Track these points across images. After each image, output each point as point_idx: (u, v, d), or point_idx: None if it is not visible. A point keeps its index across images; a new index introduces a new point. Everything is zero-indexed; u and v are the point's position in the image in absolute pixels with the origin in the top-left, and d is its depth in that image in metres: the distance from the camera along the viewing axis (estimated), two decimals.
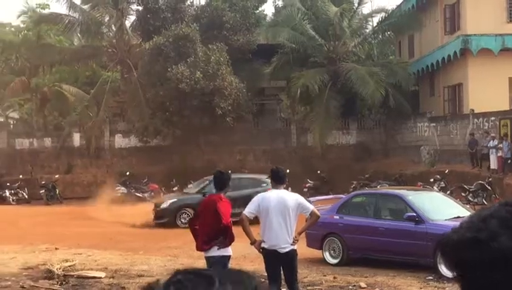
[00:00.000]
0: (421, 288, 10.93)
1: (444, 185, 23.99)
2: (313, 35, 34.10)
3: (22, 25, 42.91)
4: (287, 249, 8.08)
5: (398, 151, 33.15)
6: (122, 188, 29.87)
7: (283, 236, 8.07)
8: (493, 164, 24.70)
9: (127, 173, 31.48)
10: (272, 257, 8.13)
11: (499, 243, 1.06)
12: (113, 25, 36.70)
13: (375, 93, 30.73)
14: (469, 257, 1.09)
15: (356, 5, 36.11)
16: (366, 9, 39.90)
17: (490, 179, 23.07)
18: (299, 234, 8.44)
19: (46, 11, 40.74)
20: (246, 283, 0.98)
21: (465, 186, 22.92)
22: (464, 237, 1.11)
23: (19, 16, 41.59)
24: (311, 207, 8.43)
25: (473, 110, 27.83)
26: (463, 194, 22.44)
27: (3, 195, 31.05)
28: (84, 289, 10.91)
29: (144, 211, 22.23)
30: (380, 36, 37.65)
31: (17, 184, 31.91)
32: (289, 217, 8.06)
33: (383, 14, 36.26)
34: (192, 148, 32.42)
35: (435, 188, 22.24)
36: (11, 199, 30.84)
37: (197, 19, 34.53)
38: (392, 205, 13.89)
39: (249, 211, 8.23)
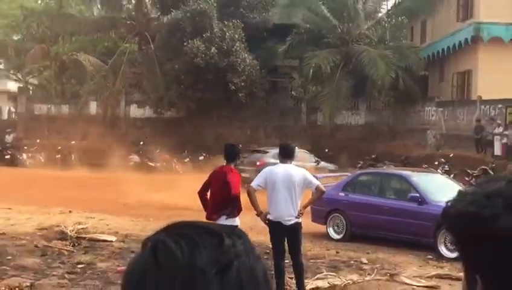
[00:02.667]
0: (420, 266, 11.00)
1: (448, 168, 23.95)
2: (328, 17, 33.87)
3: None
4: (291, 222, 8.15)
5: (405, 133, 33.03)
6: (135, 157, 30.04)
7: (288, 209, 8.13)
8: (497, 150, 24.61)
9: (141, 143, 31.60)
10: (276, 228, 8.20)
11: (501, 223, 1.04)
12: None
13: (385, 76, 30.57)
14: (468, 232, 1.08)
15: None
16: None
17: (493, 165, 22.99)
18: (304, 207, 8.50)
19: None
20: (242, 236, 0.99)
21: (468, 170, 22.86)
22: (466, 210, 1.09)
23: None
24: (316, 182, 8.49)
25: (480, 96, 27.64)
26: (466, 178, 22.36)
27: (21, 158, 31.32)
28: (95, 251, 11.04)
29: (155, 179, 22.36)
30: (394, 20, 37.31)
31: (34, 148, 32.17)
32: (295, 191, 8.12)
33: None
34: (204, 122, 32.47)
35: (439, 171, 22.19)
36: (27, 162, 31.11)
37: None
38: (396, 185, 13.96)
39: (256, 183, 8.32)
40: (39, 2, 43.16)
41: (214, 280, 0.91)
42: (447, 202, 1.15)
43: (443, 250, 11.82)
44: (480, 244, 1.06)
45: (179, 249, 0.92)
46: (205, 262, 0.91)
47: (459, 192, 1.15)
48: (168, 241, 0.93)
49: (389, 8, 36.42)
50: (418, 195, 12.63)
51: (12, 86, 45.62)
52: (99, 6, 39.57)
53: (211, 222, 8.25)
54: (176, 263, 0.91)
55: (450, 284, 9.60)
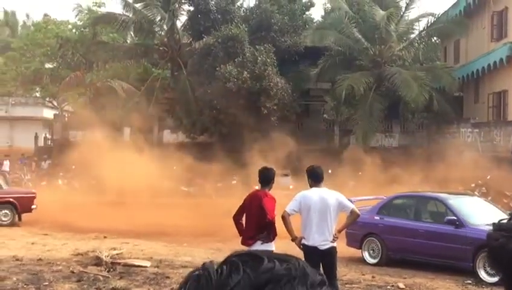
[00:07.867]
0: None
1: (485, 190, 23.56)
2: (359, 39, 33.89)
3: (79, 23, 43.81)
4: (326, 246, 8.09)
5: (440, 155, 32.63)
6: (169, 182, 30.12)
7: (323, 233, 8.08)
8: None
9: (174, 168, 31.75)
10: (312, 253, 8.11)
11: None
12: (164, 25, 37.14)
13: (418, 97, 30.37)
14: None
15: (403, 9, 35.74)
16: (413, 14, 39.35)
17: None
18: (339, 231, 8.44)
19: (102, 8, 41.57)
20: (292, 262, 0.98)
21: (506, 192, 22.47)
22: None
23: (77, 15, 42.43)
24: (351, 206, 8.42)
25: None
26: (504, 200, 21.98)
27: (57, 184, 31.77)
28: (130, 277, 11.10)
29: (189, 204, 22.43)
30: (426, 41, 37.15)
31: (70, 174, 32.61)
32: (329, 215, 8.07)
33: (429, 19, 35.79)
34: (237, 146, 32.53)
35: (476, 193, 21.85)
36: (63, 189, 31.50)
37: (246, 20, 34.68)
38: (432, 208, 13.76)
39: (291, 208, 8.26)
40: (74, 30, 44.06)
41: None
42: (493, 240, 1.13)
43: (482, 274, 11.58)
44: None
45: (216, 273, 0.94)
46: (238, 283, 0.92)
47: (503, 226, 1.13)
48: (210, 267, 0.96)
49: (422, 29, 36.29)
50: (455, 218, 12.43)
51: (48, 113, 46.52)
52: (132, 33, 40.25)
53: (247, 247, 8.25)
54: (209, 286, 0.93)
55: None
